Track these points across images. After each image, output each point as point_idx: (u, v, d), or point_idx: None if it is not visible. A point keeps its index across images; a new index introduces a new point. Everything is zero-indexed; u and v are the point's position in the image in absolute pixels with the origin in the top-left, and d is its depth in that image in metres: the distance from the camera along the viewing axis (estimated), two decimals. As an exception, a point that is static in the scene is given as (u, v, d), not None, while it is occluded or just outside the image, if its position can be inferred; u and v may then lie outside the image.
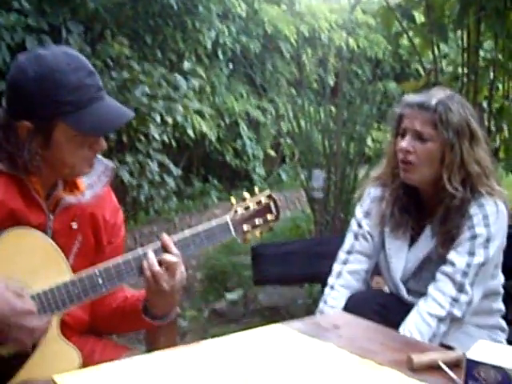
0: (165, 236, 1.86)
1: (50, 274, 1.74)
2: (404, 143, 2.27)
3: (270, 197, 2.04)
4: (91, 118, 1.73)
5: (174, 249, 1.83)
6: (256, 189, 2.07)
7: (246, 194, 2.02)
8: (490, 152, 2.41)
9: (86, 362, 1.76)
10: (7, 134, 1.75)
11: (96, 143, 1.79)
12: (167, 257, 1.82)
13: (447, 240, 2.26)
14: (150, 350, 2.19)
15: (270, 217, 2.02)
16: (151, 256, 1.81)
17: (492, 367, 1.35)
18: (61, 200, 1.83)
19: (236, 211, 1.98)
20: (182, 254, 1.86)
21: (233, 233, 1.95)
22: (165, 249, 1.83)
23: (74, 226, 1.85)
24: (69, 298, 1.75)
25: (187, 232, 1.89)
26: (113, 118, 1.79)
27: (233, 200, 2.01)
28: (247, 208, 1.99)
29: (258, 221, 2.00)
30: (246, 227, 1.98)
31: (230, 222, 1.95)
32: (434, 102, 2.25)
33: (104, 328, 2.03)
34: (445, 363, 1.55)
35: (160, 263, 1.81)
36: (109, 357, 1.81)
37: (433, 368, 1.55)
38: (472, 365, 1.37)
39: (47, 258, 1.75)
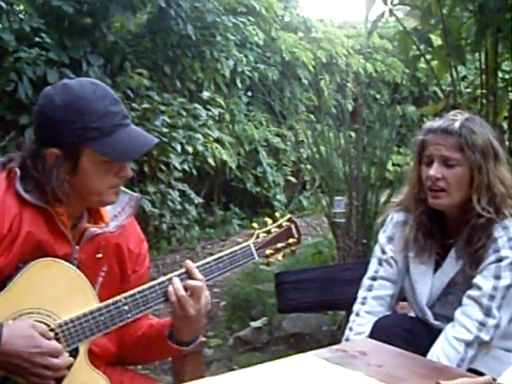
0: (189, 262, 1.88)
1: (76, 303, 1.76)
2: (432, 171, 2.25)
3: (290, 220, 2.08)
4: (117, 143, 1.76)
5: (198, 274, 1.85)
6: (277, 214, 2.10)
7: (268, 219, 2.05)
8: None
9: (114, 394, 1.77)
10: (36, 163, 1.78)
11: (122, 170, 1.82)
12: (192, 282, 1.83)
13: (473, 261, 2.25)
14: (176, 380, 2.19)
15: (291, 240, 2.06)
16: (176, 281, 1.83)
17: (524, 392, 1.33)
18: (86, 231, 1.85)
19: (258, 236, 2.01)
20: (206, 279, 1.88)
21: (255, 256, 1.98)
22: (189, 274, 1.85)
23: (99, 256, 1.87)
24: (96, 325, 1.76)
25: (211, 258, 1.92)
26: (137, 144, 1.82)
27: (255, 225, 2.05)
28: (269, 232, 2.02)
29: (280, 244, 2.03)
30: (268, 251, 2.00)
31: (252, 246, 1.97)
32: (457, 125, 2.24)
33: (130, 357, 2.02)
34: (474, 389, 1.53)
35: (185, 289, 1.82)
36: (137, 388, 1.82)
37: (462, 394, 1.53)
38: (503, 390, 1.36)
39: (74, 288, 1.77)
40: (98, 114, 1.75)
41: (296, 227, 2.07)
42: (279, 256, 2.03)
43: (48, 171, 1.77)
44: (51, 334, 1.69)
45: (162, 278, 1.85)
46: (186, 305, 1.81)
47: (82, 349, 1.76)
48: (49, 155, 1.77)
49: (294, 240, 2.06)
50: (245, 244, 1.98)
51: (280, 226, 2.05)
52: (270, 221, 2.05)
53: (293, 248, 2.06)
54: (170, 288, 1.83)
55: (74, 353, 1.75)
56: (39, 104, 1.82)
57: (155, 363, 3.64)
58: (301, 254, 4.92)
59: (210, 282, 1.92)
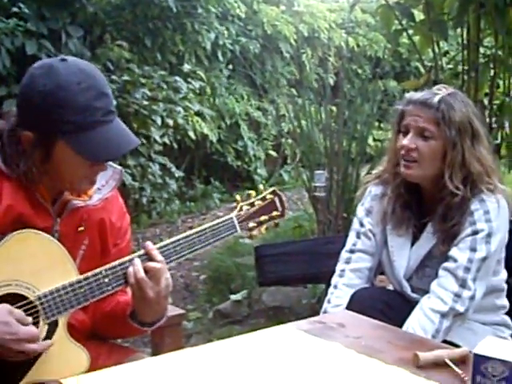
0: (148, 244, 1.85)
1: (56, 276, 1.74)
2: (406, 140, 2.27)
3: (274, 193, 2.06)
4: (91, 142, 1.71)
5: (158, 256, 1.82)
6: (261, 186, 2.08)
7: (251, 192, 2.04)
8: (492, 150, 2.41)
9: (92, 366, 1.76)
10: (11, 140, 1.76)
11: (97, 164, 1.78)
12: (151, 264, 1.80)
13: (448, 237, 2.26)
14: (155, 352, 2.19)
15: (275, 213, 2.04)
16: (137, 263, 1.80)
17: (500, 362, 1.35)
18: (68, 203, 1.83)
19: (241, 208, 1.99)
20: (187, 252, 1.87)
21: (238, 229, 1.96)
22: (149, 256, 1.82)
23: (81, 229, 1.85)
24: (75, 298, 1.75)
25: (192, 230, 1.90)
26: (113, 146, 1.76)
27: (238, 197, 2.02)
28: (252, 205, 2.01)
29: (263, 217, 2.01)
30: (251, 224, 1.99)
31: (235, 219, 1.96)
32: (436, 99, 2.25)
33: (100, 331, 2.01)
34: (451, 360, 1.55)
35: (145, 270, 1.79)
36: (115, 360, 1.82)
37: (439, 365, 1.55)
38: (480, 360, 1.37)
39: (53, 260, 1.75)
40: (77, 108, 1.69)
41: (280, 200, 2.05)
42: (262, 229, 2.02)
43: (20, 153, 1.74)
44: (29, 320, 1.67)
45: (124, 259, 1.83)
46: (145, 287, 1.78)
47: (61, 321, 1.75)
48: (24, 137, 1.74)
49: (278, 213, 2.05)
50: (227, 217, 1.96)
51: (264, 199, 2.03)
52: (253, 193, 2.03)
53: (276, 221, 2.05)
54: (130, 269, 1.79)
55: (53, 325, 1.74)
56: (23, 82, 1.76)
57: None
58: (281, 227, 4.92)
59: (190, 255, 1.91)
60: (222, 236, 1.94)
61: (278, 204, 2.05)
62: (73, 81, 1.70)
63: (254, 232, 2.01)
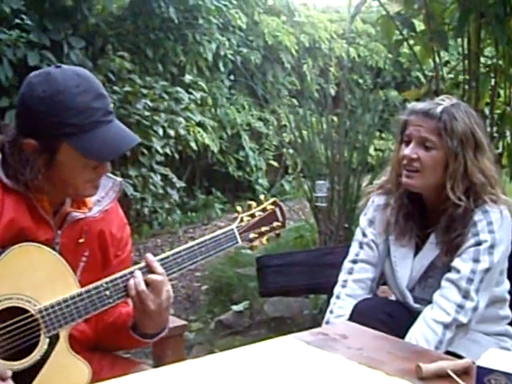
0: (149, 255, 1.86)
1: (57, 289, 1.74)
2: (408, 150, 2.27)
3: (275, 203, 2.06)
4: (94, 142, 1.73)
5: (159, 268, 1.83)
6: (261, 197, 2.08)
7: (252, 202, 2.03)
8: (495, 160, 2.41)
9: (95, 378, 1.76)
10: (13, 150, 1.76)
11: (100, 166, 1.79)
12: (152, 276, 1.81)
13: (451, 248, 2.26)
14: (157, 363, 2.18)
15: (276, 223, 2.05)
16: (138, 275, 1.81)
17: (503, 374, 1.34)
18: (68, 215, 1.84)
19: (242, 219, 1.99)
20: (188, 264, 1.87)
21: (239, 240, 1.97)
22: (149, 268, 1.82)
23: (81, 240, 1.86)
24: (76, 310, 1.75)
25: (194, 242, 1.90)
26: (115, 144, 1.78)
27: (238, 208, 2.03)
28: (253, 216, 2.01)
29: (264, 228, 2.01)
30: (252, 235, 1.99)
31: (235, 230, 1.96)
32: (439, 110, 2.25)
33: (102, 343, 2.00)
34: (454, 371, 1.54)
35: (146, 283, 1.80)
36: (117, 372, 1.81)
37: (442, 377, 1.54)
38: (483, 372, 1.37)
39: (54, 273, 1.75)
40: (77, 110, 1.71)
41: (281, 210, 2.06)
42: (263, 240, 2.02)
43: (24, 161, 1.75)
44: (9, 374, 1.65)
45: (125, 272, 1.83)
46: (146, 299, 1.79)
47: (63, 334, 1.75)
48: (26, 145, 1.74)
49: (279, 223, 2.05)
50: (228, 228, 1.96)
51: (264, 210, 2.03)
52: (254, 204, 2.03)
53: (277, 232, 2.05)
54: (131, 281, 1.80)
55: (54, 339, 1.74)
56: (21, 92, 1.78)
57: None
58: (282, 238, 4.90)
59: (192, 266, 1.91)
60: (223, 247, 1.94)
61: (278, 214, 2.05)
62: (71, 84, 1.72)
63: (255, 243, 2.01)
